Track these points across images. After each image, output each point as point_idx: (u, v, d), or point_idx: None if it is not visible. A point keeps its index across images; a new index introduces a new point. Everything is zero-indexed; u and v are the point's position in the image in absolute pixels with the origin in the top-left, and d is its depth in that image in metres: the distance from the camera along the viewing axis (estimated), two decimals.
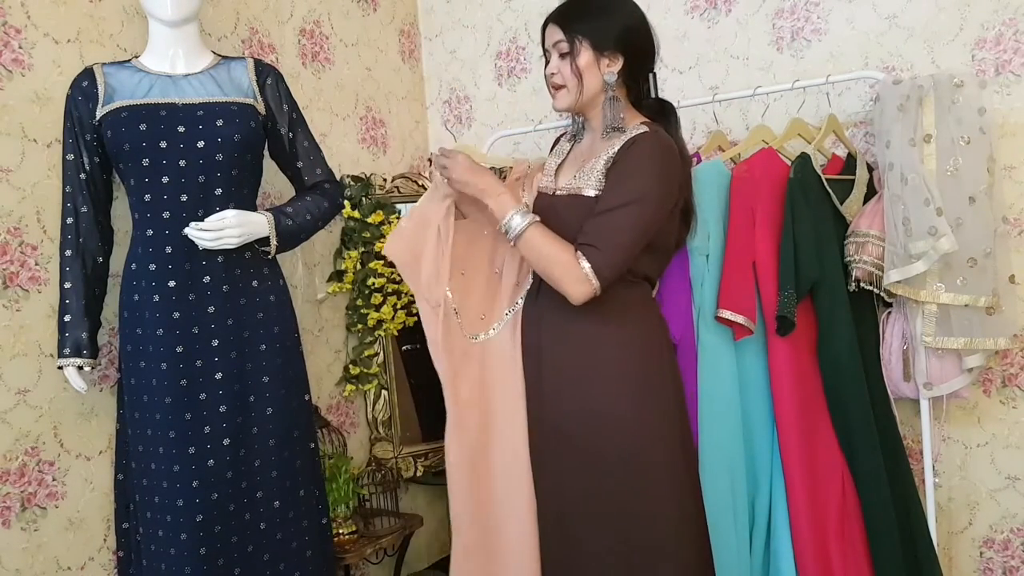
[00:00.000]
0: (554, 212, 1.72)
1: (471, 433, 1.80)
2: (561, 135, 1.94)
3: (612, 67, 1.67)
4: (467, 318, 1.82)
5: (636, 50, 1.70)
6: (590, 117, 1.76)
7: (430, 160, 1.84)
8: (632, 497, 1.66)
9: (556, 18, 1.69)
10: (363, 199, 2.58)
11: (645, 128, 1.67)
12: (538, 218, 1.66)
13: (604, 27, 1.65)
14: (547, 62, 1.73)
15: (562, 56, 1.67)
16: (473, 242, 1.87)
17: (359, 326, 2.60)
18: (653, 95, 1.78)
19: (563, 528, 1.72)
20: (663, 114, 1.75)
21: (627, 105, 1.73)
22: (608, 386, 1.67)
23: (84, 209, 1.85)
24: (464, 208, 1.88)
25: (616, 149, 1.65)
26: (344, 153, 2.73)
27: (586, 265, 1.58)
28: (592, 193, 1.66)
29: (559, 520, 1.73)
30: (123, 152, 1.80)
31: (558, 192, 1.76)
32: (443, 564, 2.70)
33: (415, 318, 2.54)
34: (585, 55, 1.66)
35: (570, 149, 1.83)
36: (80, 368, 1.83)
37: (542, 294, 1.75)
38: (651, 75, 1.77)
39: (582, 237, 1.61)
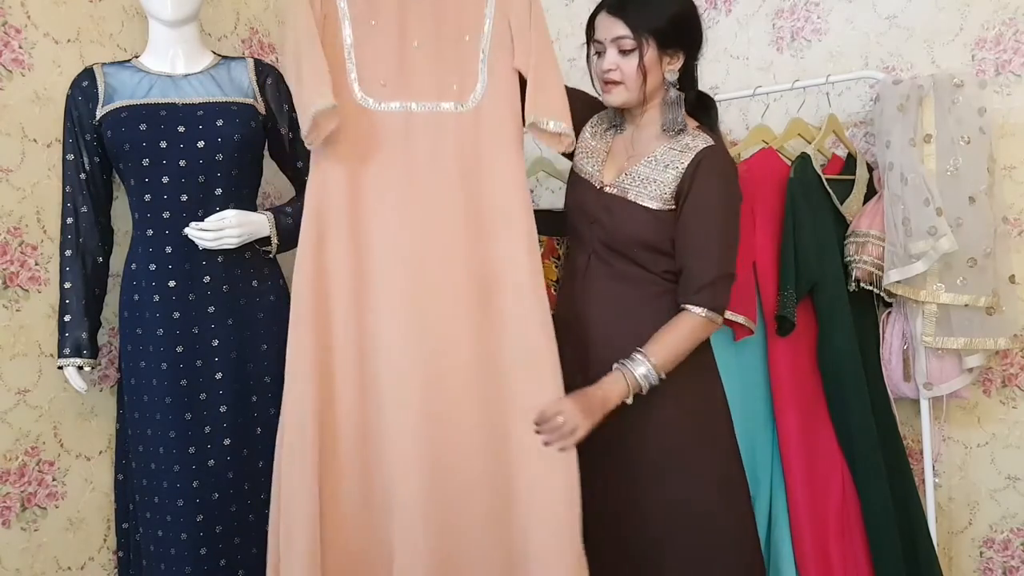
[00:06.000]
0: (607, 211, 1.67)
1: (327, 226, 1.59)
2: (598, 114, 1.83)
3: (673, 65, 1.63)
4: (365, 74, 1.59)
5: (694, 47, 1.67)
6: (636, 112, 1.71)
7: None
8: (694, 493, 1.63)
9: (618, 12, 1.60)
10: None
11: (707, 138, 1.64)
12: (653, 359, 1.56)
13: (669, 24, 1.60)
14: (597, 53, 1.66)
15: (623, 52, 1.60)
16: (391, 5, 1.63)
17: None
18: (695, 87, 1.74)
19: (636, 531, 1.66)
20: (704, 108, 1.72)
21: None
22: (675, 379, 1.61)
23: (84, 209, 1.85)
24: None
25: (684, 166, 1.62)
26: None
27: (698, 311, 1.59)
28: (654, 205, 1.63)
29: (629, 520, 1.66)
30: (123, 152, 1.80)
31: (607, 188, 1.70)
32: None
33: None
34: (650, 54, 1.60)
35: (612, 138, 1.77)
36: (80, 368, 1.83)
37: (590, 272, 1.70)
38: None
39: (688, 285, 1.60)
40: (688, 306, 1.60)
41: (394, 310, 1.60)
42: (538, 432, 1.55)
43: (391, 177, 1.61)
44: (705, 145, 1.63)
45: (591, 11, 1.70)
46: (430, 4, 1.63)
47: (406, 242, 1.61)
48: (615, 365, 1.59)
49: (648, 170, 1.65)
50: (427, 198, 1.61)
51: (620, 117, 1.75)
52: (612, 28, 1.61)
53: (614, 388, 1.57)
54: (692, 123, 1.70)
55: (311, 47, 1.56)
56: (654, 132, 1.69)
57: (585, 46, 1.72)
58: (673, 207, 1.64)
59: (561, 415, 1.52)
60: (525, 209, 1.63)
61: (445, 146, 1.62)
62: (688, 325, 1.60)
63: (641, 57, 1.59)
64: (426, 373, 1.59)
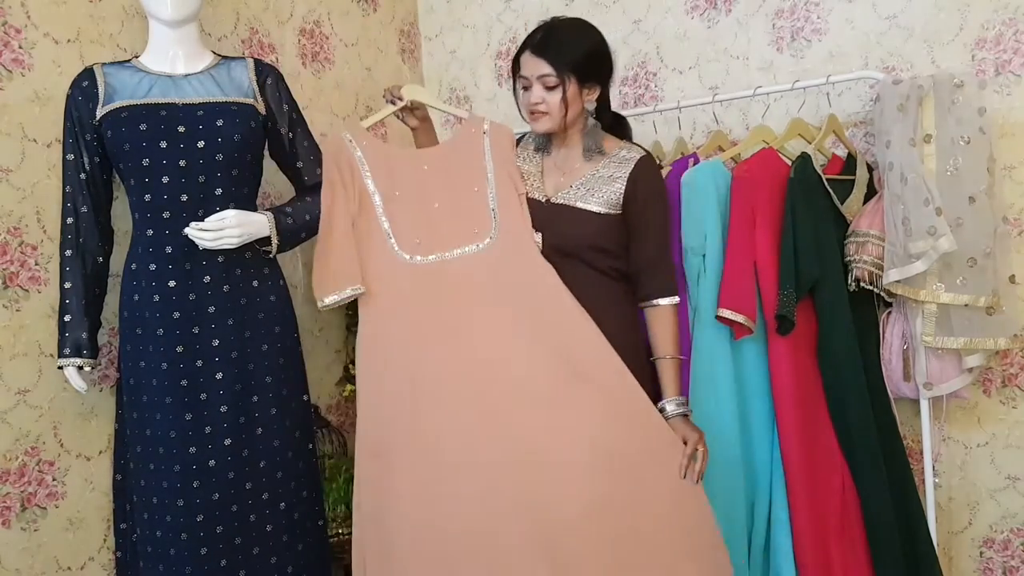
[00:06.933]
0: (558, 218, 1.82)
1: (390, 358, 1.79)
2: (521, 137, 2.00)
3: (591, 95, 1.82)
4: (401, 236, 1.86)
5: (608, 77, 1.85)
6: (564, 136, 1.86)
7: (393, 101, 1.99)
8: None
9: (542, 53, 1.77)
10: None
11: (639, 150, 1.85)
12: (678, 401, 1.75)
13: (588, 64, 1.78)
14: (524, 88, 1.82)
15: (548, 88, 1.77)
16: (412, 170, 1.91)
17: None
18: (609, 110, 1.90)
19: None
20: (620, 127, 1.91)
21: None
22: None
23: (84, 209, 1.85)
24: (417, 135, 2.08)
25: (626, 174, 1.80)
26: None
27: (677, 299, 1.80)
28: (601, 210, 1.80)
29: None
30: (123, 152, 1.80)
31: (553, 200, 1.84)
32: None
33: None
34: (572, 89, 1.78)
35: (541, 159, 1.92)
36: (80, 368, 1.83)
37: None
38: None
39: (658, 280, 1.78)
40: (667, 299, 1.79)
41: (471, 448, 1.69)
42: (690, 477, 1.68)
43: (438, 316, 1.79)
44: (640, 155, 1.83)
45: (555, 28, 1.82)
46: (440, 170, 1.91)
47: (461, 369, 1.75)
48: (671, 395, 1.75)
49: (593, 182, 1.82)
50: (474, 325, 1.77)
51: (544, 140, 1.91)
52: (537, 67, 1.78)
53: (683, 400, 1.76)
54: (616, 141, 1.87)
55: (344, 237, 1.84)
56: (584, 156, 1.86)
57: (512, 79, 1.87)
58: (619, 212, 1.80)
59: (698, 449, 1.68)
60: (574, 300, 1.76)
61: (479, 279, 1.83)
62: (674, 315, 1.80)
63: (564, 92, 1.77)
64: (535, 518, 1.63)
